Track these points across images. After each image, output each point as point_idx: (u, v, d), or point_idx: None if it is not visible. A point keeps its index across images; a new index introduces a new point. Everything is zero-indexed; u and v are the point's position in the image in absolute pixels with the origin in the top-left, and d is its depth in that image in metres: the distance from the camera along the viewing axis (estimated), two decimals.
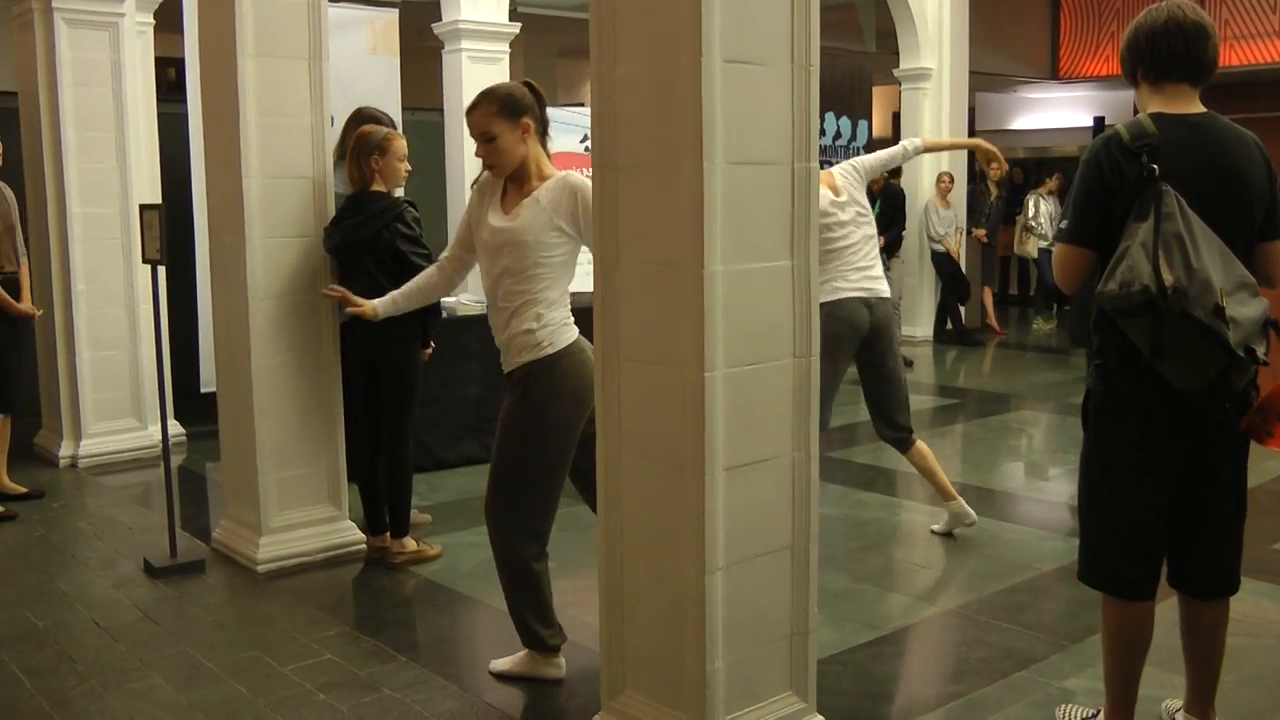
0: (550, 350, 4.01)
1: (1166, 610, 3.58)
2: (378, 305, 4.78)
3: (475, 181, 4.32)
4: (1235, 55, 14.14)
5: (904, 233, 11.71)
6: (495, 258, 4.08)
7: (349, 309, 4.96)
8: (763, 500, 3.31)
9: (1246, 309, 3.09)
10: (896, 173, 11.68)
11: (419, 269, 5.26)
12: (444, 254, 4.54)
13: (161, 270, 5.45)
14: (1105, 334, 3.30)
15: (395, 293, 4.74)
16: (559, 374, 4.01)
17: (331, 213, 5.41)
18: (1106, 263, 3.18)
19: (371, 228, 5.25)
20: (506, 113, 4.03)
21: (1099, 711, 3.59)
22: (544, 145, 4.16)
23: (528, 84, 4.17)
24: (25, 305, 6.58)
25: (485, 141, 4.05)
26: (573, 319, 4.12)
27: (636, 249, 3.27)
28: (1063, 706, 3.78)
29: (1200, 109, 3.32)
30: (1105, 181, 3.22)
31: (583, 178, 3.99)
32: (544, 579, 4.16)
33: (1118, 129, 3.26)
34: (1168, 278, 3.02)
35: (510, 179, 4.13)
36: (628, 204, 3.28)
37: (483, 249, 4.16)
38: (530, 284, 4.01)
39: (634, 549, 3.41)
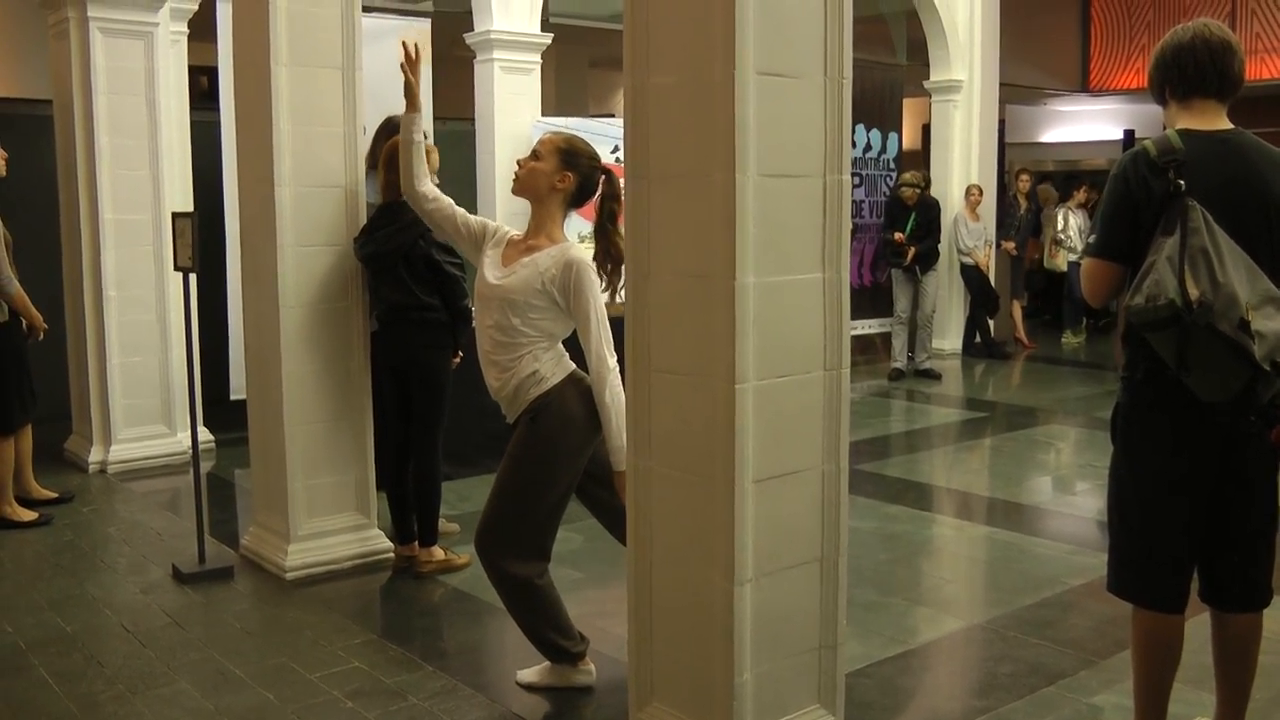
0: (554, 380, 4.06)
1: (1198, 627, 3.56)
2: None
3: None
4: (1267, 69, 14.06)
5: (939, 245, 11.66)
6: (486, 310, 4.13)
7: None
8: (792, 512, 3.31)
9: (1273, 323, 3.08)
10: (929, 184, 11.64)
11: (453, 277, 5.31)
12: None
13: (193, 278, 5.48)
14: (1133, 347, 3.31)
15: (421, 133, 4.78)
16: (567, 403, 4.04)
17: (363, 222, 5.43)
18: (1134, 277, 3.18)
19: (406, 236, 5.27)
20: (565, 155, 4.13)
21: None
22: (610, 234, 4.14)
23: (608, 173, 4.22)
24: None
25: (531, 157, 4.15)
26: (565, 352, 4.16)
27: (668, 260, 3.28)
28: None
29: (1228, 125, 3.32)
30: (1133, 196, 3.23)
31: (582, 254, 4.04)
32: (552, 591, 4.16)
33: (1145, 145, 3.26)
34: (1193, 292, 3.02)
35: (522, 233, 4.21)
36: (660, 215, 3.29)
37: (477, 298, 4.22)
38: (519, 338, 4.05)
39: (663, 560, 3.41)
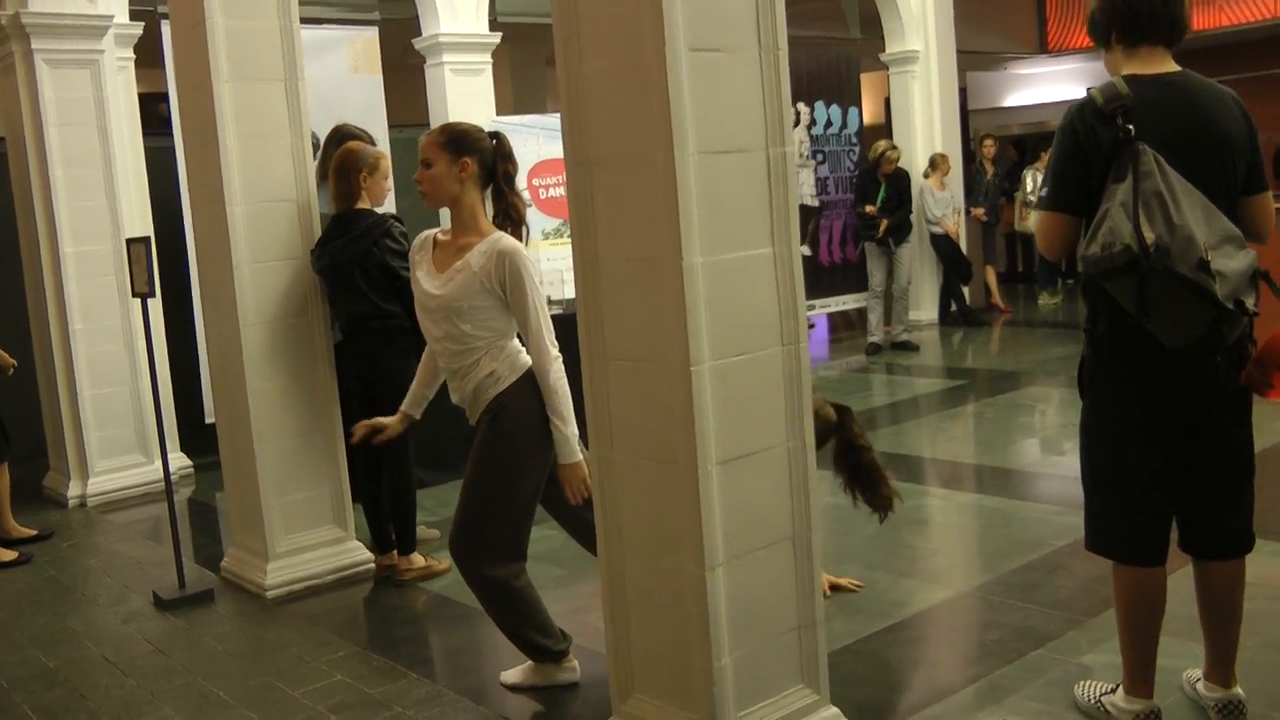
0: (512, 379, 4.01)
1: (1185, 579, 3.54)
2: (408, 411, 4.51)
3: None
4: (1225, 16, 14.04)
5: (911, 216, 11.62)
6: (434, 321, 4.09)
7: (377, 440, 4.60)
8: (760, 492, 3.27)
9: (1233, 261, 3.05)
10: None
11: (409, 282, 5.23)
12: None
13: (153, 303, 5.43)
14: (1093, 299, 3.28)
15: (415, 388, 4.50)
16: (526, 399, 3.99)
17: (318, 234, 5.38)
18: (1089, 227, 3.15)
19: (360, 245, 5.22)
20: (450, 147, 4.05)
21: (1118, 686, 3.53)
22: (506, 194, 4.12)
23: (496, 136, 4.17)
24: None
25: (423, 167, 4.07)
26: (522, 348, 4.08)
27: (615, 245, 3.24)
28: (1081, 683, 3.72)
29: (1174, 68, 3.29)
30: (1081, 146, 3.20)
31: (514, 242, 3.98)
32: (529, 591, 4.11)
33: (1092, 93, 3.23)
34: (1149, 235, 2.98)
35: (452, 223, 4.13)
36: (603, 201, 3.24)
37: (421, 311, 4.16)
38: (473, 342, 4.00)
39: (633, 550, 3.38)
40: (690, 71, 3.01)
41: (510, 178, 4.14)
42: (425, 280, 4.10)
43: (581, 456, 3.93)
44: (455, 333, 4.00)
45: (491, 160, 4.10)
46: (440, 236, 4.17)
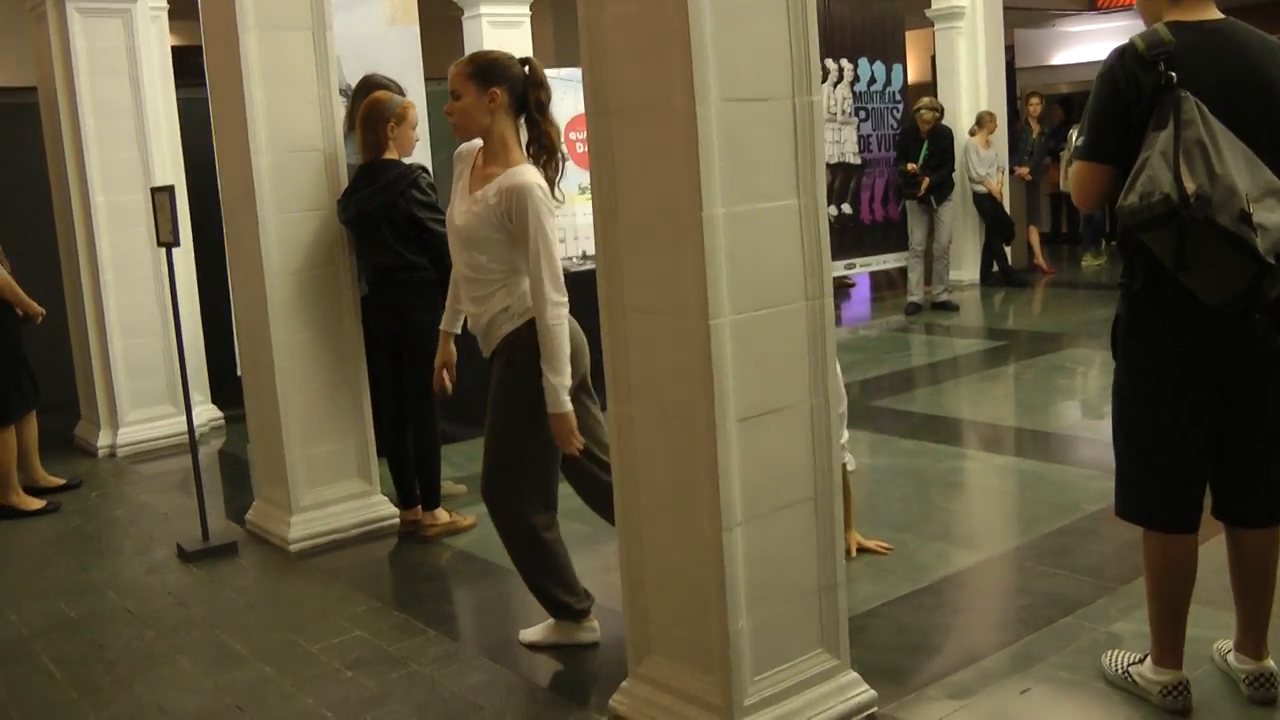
0: (526, 317, 3.90)
1: (1218, 547, 3.44)
2: (448, 330, 4.57)
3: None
4: None
5: (954, 174, 11.41)
6: (458, 246, 4.04)
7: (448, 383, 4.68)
8: (781, 451, 3.19)
9: (1275, 215, 2.93)
10: (942, 113, 11.38)
11: (438, 234, 5.15)
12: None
13: (184, 254, 5.38)
14: (1129, 252, 3.18)
15: (449, 305, 4.51)
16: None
17: (345, 184, 5.32)
18: (1126, 177, 3.03)
19: (387, 196, 5.15)
20: (479, 77, 3.93)
21: (1146, 656, 3.44)
22: (539, 123, 4.00)
23: (528, 61, 4.05)
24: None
25: (452, 98, 3.97)
26: None
27: (635, 196, 3.16)
28: (1109, 653, 3.62)
29: (1218, 15, 3.16)
30: (1121, 94, 3.08)
31: (528, 178, 3.84)
32: (558, 545, 4.05)
33: (1133, 40, 3.11)
34: (1189, 185, 2.87)
35: (483, 151, 4.03)
36: (623, 150, 3.17)
37: (449, 231, 4.10)
38: (489, 274, 3.93)
39: (651, 509, 3.31)
40: (713, 16, 2.91)
41: (543, 105, 4.00)
42: (457, 200, 4.02)
43: (570, 408, 3.82)
44: (473, 262, 3.94)
45: (523, 88, 3.98)
46: (478, 158, 4.07)
